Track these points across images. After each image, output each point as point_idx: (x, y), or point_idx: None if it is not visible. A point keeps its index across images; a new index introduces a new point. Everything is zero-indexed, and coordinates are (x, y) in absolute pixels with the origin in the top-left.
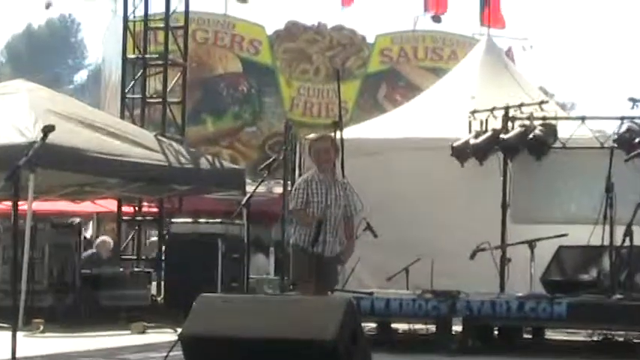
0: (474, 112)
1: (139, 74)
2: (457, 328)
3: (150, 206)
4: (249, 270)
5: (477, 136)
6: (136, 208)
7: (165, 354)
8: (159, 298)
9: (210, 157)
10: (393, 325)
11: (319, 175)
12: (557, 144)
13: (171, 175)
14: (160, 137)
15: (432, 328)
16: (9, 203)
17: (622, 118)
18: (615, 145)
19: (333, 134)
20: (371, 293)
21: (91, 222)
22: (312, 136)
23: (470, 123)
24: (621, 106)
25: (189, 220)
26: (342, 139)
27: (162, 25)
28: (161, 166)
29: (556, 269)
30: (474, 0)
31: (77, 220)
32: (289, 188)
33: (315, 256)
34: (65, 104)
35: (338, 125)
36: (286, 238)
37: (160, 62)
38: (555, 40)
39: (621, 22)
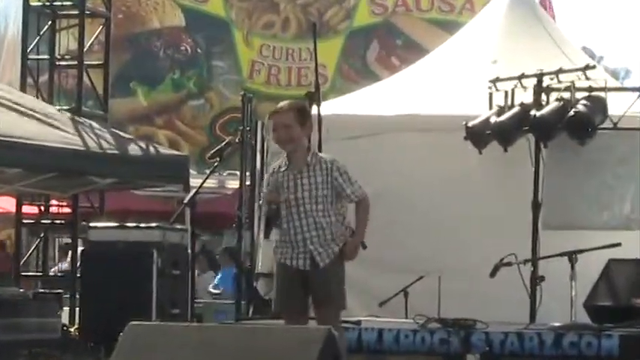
0: (495, 80)
1: (46, 28)
2: None
3: (60, 205)
4: (194, 291)
5: (499, 112)
6: (42, 209)
7: None
8: (72, 329)
9: (142, 141)
10: None
11: (287, 161)
12: (607, 123)
13: (89, 163)
14: (74, 113)
15: None
16: None
17: None
18: None
19: (300, 106)
20: (358, 322)
21: None
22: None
23: (491, 95)
24: None
25: (114, 224)
26: (319, 117)
27: None
28: (76, 152)
29: (605, 291)
30: None
31: None
32: (247, 182)
33: (298, 273)
34: None
35: (314, 98)
36: (244, 248)
37: (74, 12)
38: None
39: None
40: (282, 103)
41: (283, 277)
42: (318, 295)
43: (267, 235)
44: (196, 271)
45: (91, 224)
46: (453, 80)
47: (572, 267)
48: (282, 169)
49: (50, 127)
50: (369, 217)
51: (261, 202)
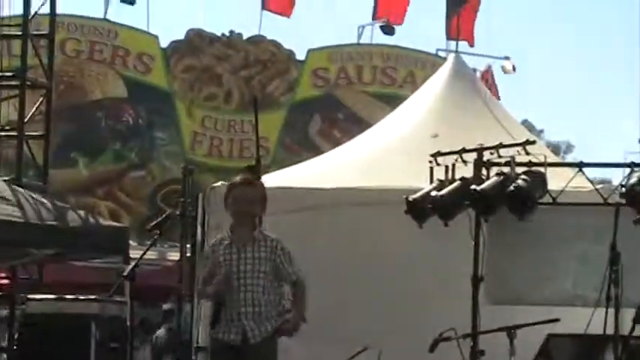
0: (436, 155)
1: None
2: None
3: None
4: None
5: (440, 187)
6: None
7: None
8: None
9: (82, 212)
10: None
11: (232, 234)
12: (547, 198)
13: (28, 234)
14: (13, 184)
15: None
16: None
17: (631, 166)
18: (623, 202)
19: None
20: None
21: None
22: (235, 179)
23: (431, 170)
24: (630, 150)
25: (52, 296)
26: None
27: (19, 31)
28: (14, 223)
29: None
30: (440, 3)
31: None
32: (188, 254)
33: (233, 350)
34: None
35: (255, 170)
36: (184, 321)
37: (14, 82)
38: (545, 61)
39: (631, 44)
40: (245, 177)
41: (215, 351)
42: None
43: (214, 325)
44: (136, 344)
45: (29, 296)
46: (394, 154)
47: (511, 342)
48: (226, 242)
49: None
50: (308, 293)
51: (200, 281)
